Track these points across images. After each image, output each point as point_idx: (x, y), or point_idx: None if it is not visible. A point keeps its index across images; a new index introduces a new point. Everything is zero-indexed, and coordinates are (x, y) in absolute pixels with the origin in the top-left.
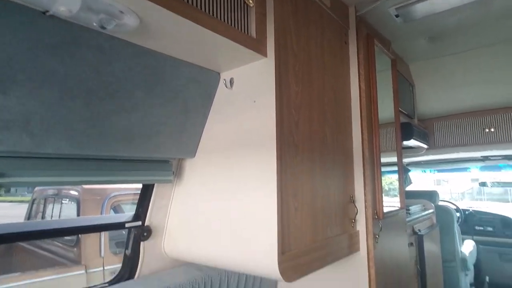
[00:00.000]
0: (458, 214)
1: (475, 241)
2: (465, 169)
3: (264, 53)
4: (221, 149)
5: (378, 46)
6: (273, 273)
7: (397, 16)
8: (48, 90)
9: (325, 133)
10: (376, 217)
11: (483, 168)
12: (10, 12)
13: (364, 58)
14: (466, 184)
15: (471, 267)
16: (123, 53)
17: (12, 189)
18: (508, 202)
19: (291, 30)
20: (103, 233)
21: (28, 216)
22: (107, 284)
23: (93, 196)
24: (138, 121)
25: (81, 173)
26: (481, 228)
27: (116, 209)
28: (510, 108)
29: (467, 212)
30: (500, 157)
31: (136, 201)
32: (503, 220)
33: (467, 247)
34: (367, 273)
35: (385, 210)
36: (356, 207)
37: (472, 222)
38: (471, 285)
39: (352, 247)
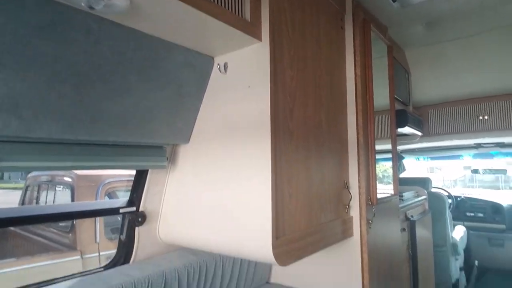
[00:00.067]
0: (450, 201)
1: (466, 226)
2: (458, 157)
3: (258, 37)
4: (215, 135)
5: (375, 32)
6: (267, 257)
7: (394, 0)
8: (36, 73)
9: (320, 119)
10: (370, 203)
11: (475, 156)
12: None
13: (360, 44)
14: (459, 171)
15: (461, 252)
16: (114, 36)
17: (5, 176)
18: (499, 189)
19: (286, 14)
20: (98, 219)
21: (22, 203)
22: (102, 269)
23: (88, 182)
24: (130, 105)
25: (74, 158)
26: (472, 214)
27: (111, 195)
28: (504, 95)
29: (458, 199)
30: (492, 145)
31: (131, 188)
32: (494, 206)
33: (458, 232)
34: (360, 258)
35: (379, 196)
36: (350, 193)
37: (464, 208)
38: (460, 269)
39: (345, 232)
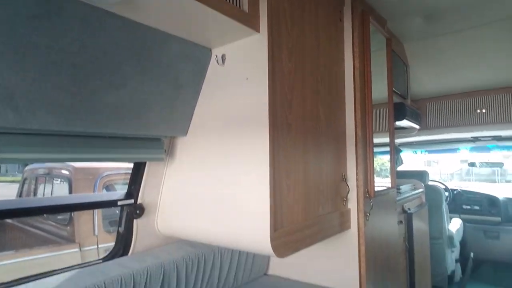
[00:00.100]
0: (446, 194)
1: (462, 219)
2: (455, 150)
3: (256, 29)
4: (213, 128)
5: (374, 24)
6: (265, 249)
7: None
8: (31, 64)
9: (318, 112)
10: (368, 195)
11: (472, 149)
12: None
13: (359, 36)
14: (456, 165)
15: (457, 244)
16: (109, 26)
17: (3, 169)
18: (495, 182)
19: (285, 5)
20: (96, 212)
21: (20, 196)
22: (101, 261)
23: (85, 175)
24: (127, 97)
25: (71, 150)
26: (468, 207)
27: (109, 188)
28: (501, 89)
29: (455, 192)
30: (490, 138)
31: (129, 180)
32: (490, 199)
33: (454, 225)
34: (357, 250)
35: (376, 189)
36: (348, 185)
37: (460, 201)
38: (456, 260)
39: (343, 225)
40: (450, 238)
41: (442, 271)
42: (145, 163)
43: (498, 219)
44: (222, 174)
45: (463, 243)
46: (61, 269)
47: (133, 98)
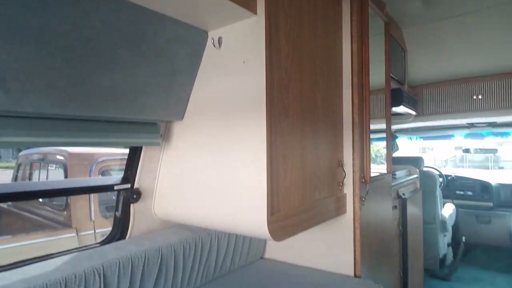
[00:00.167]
0: (440, 179)
1: (455, 204)
2: (449, 137)
3: (253, 10)
4: (210, 112)
5: (372, 8)
6: (262, 233)
7: None
8: (22, 45)
9: (315, 97)
10: (363, 181)
11: (467, 136)
12: None
13: (357, 20)
14: (450, 151)
15: (450, 228)
16: (102, 6)
17: None
18: (488, 169)
19: None
20: (92, 197)
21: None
22: (98, 244)
23: (80, 161)
24: (122, 80)
25: (66, 134)
26: (462, 192)
27: (105, 174)
28: (498, 75)
29: (449, 178)
30: (485, 124)
31: (125, 165)
32: (483, 184)
33: (447, 210)
34: (353, 234)
35: (372, 175)
36: (344, 171)
37: (454, 186)
38: (448, 244)
39: (339, 209)
40: (443, 222)
41: (434, 255)
42: (141, 147)
43: (490, 204)
44: (219, 159)
45: (455, 227)
46: (59, 252)
47: (128, 81)
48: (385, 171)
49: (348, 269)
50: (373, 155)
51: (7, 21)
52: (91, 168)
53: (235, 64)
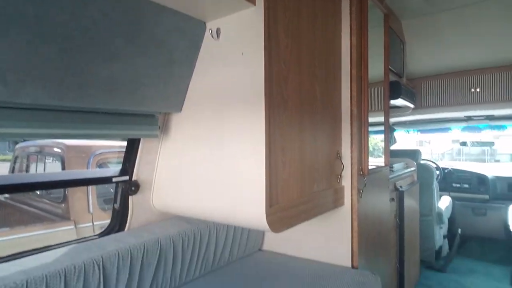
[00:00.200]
0: (438, 172)
1: (451, 197)
2: (446, 130)
3: (252, 1)
4: (208, 103)
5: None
6: (261, 224)
7: None
8: (19, 35)
9: (314, 89)
10: (361, 173)
11: (464, 129)
12: None
13: (356, 12)
14: (447, 145)
15: (446, 221)
16: None
17: None
18: (485, 162)
19: None
20: (90, 189)
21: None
22: (97, 236)
23: (78, 153)
24: (120, 71)
25: (63, 125)
26: (458, 185)
27: (102, 166)
28: (496, 68)
29: (446, 170)
30: (482, 117)
31: (123, 158)
32: (479, 177)
33: (444, 202)
34: (350, 226)
35: (370, 167)
36: (342, 163)
37: (450, 179)
38: (444, 236)
39: (337, 202)
40: (439, 215)
41: (430, 246)
42: (140, 139)
43: (486, 196)
44: (218, 151)
45: (451, 219)
46: (58, 244)
47: (126, 72)
48: (382, 164)
49: (345, 260)
50: (370, 148)
51: (3, 10)
52: (89, 160)
53: (233, 56)
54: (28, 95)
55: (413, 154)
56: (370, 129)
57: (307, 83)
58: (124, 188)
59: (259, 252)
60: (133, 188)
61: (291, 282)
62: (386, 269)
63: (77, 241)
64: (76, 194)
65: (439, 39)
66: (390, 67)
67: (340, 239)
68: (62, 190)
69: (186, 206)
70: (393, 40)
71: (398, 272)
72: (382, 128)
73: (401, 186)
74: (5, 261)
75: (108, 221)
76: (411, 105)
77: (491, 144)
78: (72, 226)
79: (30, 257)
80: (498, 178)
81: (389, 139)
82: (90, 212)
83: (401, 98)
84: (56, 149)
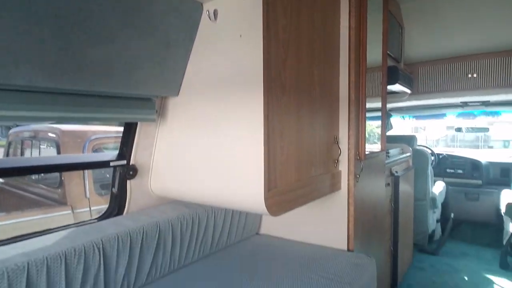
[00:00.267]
0: (432, 158)
1: (445, 182)
2: (442, 116)
3: None
4: (206, 87)
5: None
6: (259, 208)
7: None
8: (10, 14)
9: (312, 73)
10: (358, 158)
11: (459, 115)
12: None
13: None
14: (441, 131)
15: (439, 205)
16: None
17: None
18: (478, 148)
19: None
20: (86, 175)
21: None
22: (96, 220)
23: (73, 138)
24: (115, 53)
25: (59, 108)
26: (452, 170)
27: (98, 152)
28: (494, 53)
29: (441, 156)
30: (478, 103)
31: (119, 144)
32: (473, 163)
33: (438, 187)
34: (347, 210)
35: (367, 152)
36: (339, 148)
37: (445, 165)
38: (437, 221)
39: (334, 186)
40: (433, 199)
41: (424, 230)
42: (137, 124)
43: (479, 182)
44: (216, 135)
45: (444, 204)
46: (57, 227)
47: (122, 54)
48: (377, 151)
49: (341, 243)
50: (366, 134)
51: None
52: (84, 145)
53: (231, 38)
54: (22, 77)
55: (409, 140)
56: (367, 114)
57: (305, 67)
58: (122, 173)
59: (256, 236)
60: (131, 173)
61: (287, 264)
62: (381, 252)
63: (76, 224)
64: (72, 180)
65: (438, 23)
66: (388, 51)
67: (336, 223)
68: (58, 175)
69: (184, 190)
70: (392, 25)
71: (392, 254)
72: (378, 114)
73: (396, 171)
74: (6, 244)
75: (105, 206)
76: (408, 91)
77: (485, 130)
78: (69, 211)
79: (31, 240)
80: (491, 164)
81: (385, 124)
82: (87, 197)
83: (399, 83)
84: (50, 134)
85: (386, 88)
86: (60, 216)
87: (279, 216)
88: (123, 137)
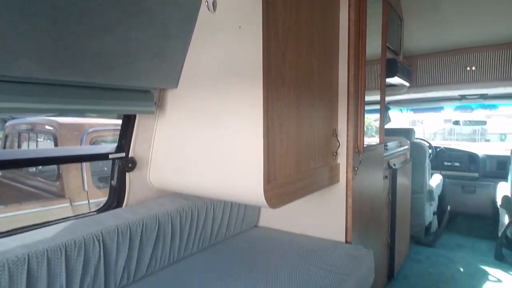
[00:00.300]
0: (430, 151)
1: (442, 175)
2: (439, 109)
3: None
4: (205, 79)
5: None
6: (259, 200)
7: None
8: (7, 6)
9: (312, 65)
10: (357, 151)
11: (456, 109)
12: None
13: None
14: (439, 124)
15: (436, 198)
16: None
17: None
18: (475, 141)
19: None
20: (84, 168)
21: None
22: (95, 212)
23: (71, 131)
24: (113, 45)
25: (57, 100)
26: (449, 163)
27: (96, 145)
28: (492, 46)
29: (438, 149)
30: (476, 96)
31: (117, 137)
32: (470, 156)
33: (435, 180)
34: (345, 202)
35: (365, 145)
36: (338, 140)
37: (442, 158)
38: (434, 213)
39: (332, 179)
40: (430, 192)
41: (420, 223)
42: (135, 116)
43: (476, 174)
44: (215, 127)
45: (441, 197)
46: (57, 220)
47: (120, 45)
48: (376, 144)
49: (339, 235)
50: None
51: None
52: (82, 138)
53: (230, 29)
54: (20, 68)
55: (407, 133)
56: (366, 107)
57: (304, 59)
58: (120, 165)
59: (255, 228)
60: (130, 165)
61: (286, 256)
62: (378, 244)
63: (76, 217)
64: (70, 172)
65: (437, 15)
66: (387, 44)
67: (334, 215)
68: (55, 168)
69: (183, 183)
70: (391, 16)
71: (389, 246)
72: (376, 107)
73: (394, 164)
74: (6, 236)
75: (103, 199)
76: (407, 84)
77: (483, 123)
78: (68, 204)
79: (30, 232)
80: (488, 157)
81: (384, 117)
82: (85, 190)
83: (397, 76)
84: (48, 127)
85: (385, 80)
86: (58, 209)
87: (277, 209)
88: (121, 130)
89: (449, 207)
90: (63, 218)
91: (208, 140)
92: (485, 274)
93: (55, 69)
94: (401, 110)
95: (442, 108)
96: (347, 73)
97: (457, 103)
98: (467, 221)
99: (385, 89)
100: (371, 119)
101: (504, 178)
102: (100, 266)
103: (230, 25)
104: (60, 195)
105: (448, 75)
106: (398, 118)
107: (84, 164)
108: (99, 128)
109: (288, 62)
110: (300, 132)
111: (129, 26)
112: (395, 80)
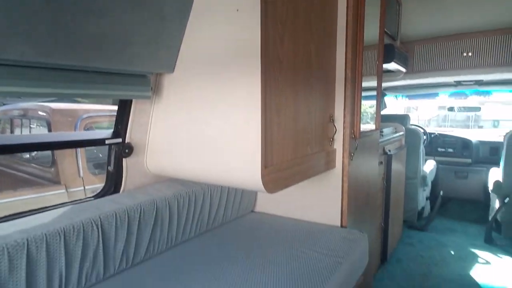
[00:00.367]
0: (424, 137)
1: (436, 161)
2: (434, 95)
3: None
4: (201, 63)
5: None
6: (256, 185)
7: None
8: None
9: (309, 50)
10: (353, 136)
11: (451, 95)
12: None
13: None
14: (433, 111)
15: (429, 183)
16: None
17: None
18: (469, 128)
19: None
20: (79, 154)
21: None
22: (93, 198)
23: (64, 117)
24: (109, 27)
25: (52, 84)
26: (443, 149)
27: (90, 131)
28: (490, 31)
29: (432, 135)
30: (472, 82)
31: (112, 123)
32: (463, 142)
33: (429, 166)
34: (341, 187)
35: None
36: (335, 126)
37: (436, 144)
38: (427, 198)
39: (329, 164)
40: (424, 178)
41: (414, 207)
42: (132, 101)
43: (469, 160)
44: (212, 112)
45: (434, 182)
46: (54, 205)
47: (115, 28)
48: (372, 130)
49: (335, 220)
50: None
51: None
52: (76, 124)
53: (228, 12)
54: (14, 51)
55: (402, 119)
56: (363, 93)
57: (302, 44)
58: (117, 151)
59: (251, 214)
60: (126, 151)
61: (282, 240)
62: (372, 228)
63: (73, 202)
64: (65, 159)
65: (435, 0)
66: (385, 29)
67: (330, 200)
68: (50, 154)
69: (180, 168)
70: (390, 1)
71: (383, 230)
72: (373, 93)
73: (389, 150)
74: (4, 221)
75: (99, 185)
76: (403, 69)
77: (477, 109)
78: (63, 190)
79: (29, 217)
80: (481, 143)
81: (380, 103)
82: (80, 176)
83: (394, 61)
84: (41, 113)
85: (382, 66)
86: (54, 195)
87: (274, 194)
88: (117, 115)
89: (441, 192)
90: (61, 204)
91: (204, 125)
92: (475, 256)
93: (50, 53)
94: (396, 96)
95: (437, 94)
96: (345, 58)
97: (452, 89)
98: (459, 206)
99: (382, 75)
100: (366, 106)
101: (497, 164)
102: (99, 250)
103: (228, 8)
104: (55, 181)
105: (444, 61)
106: (393, 105)
107: (79, 150)
108: (93, 114)
109: (286, 47)
110: (297, 117)
111: (125, 9)
112: (391, 66)
